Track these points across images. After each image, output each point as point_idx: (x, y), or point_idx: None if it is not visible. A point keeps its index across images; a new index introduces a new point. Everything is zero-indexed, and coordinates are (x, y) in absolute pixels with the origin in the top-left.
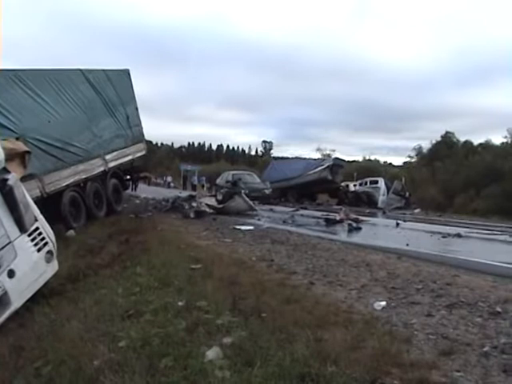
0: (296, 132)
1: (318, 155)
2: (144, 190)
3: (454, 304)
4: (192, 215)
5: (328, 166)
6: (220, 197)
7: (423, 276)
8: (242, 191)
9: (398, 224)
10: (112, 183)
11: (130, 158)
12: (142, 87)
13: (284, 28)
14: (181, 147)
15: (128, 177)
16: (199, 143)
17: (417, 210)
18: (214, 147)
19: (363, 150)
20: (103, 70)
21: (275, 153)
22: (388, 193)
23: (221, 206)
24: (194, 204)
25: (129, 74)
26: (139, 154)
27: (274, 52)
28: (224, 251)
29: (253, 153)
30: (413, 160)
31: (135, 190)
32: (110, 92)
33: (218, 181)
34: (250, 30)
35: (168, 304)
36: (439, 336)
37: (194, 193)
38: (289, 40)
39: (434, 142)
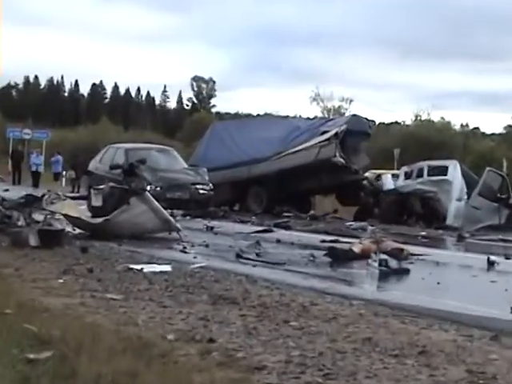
0: (269, 57)
1: (315, 111)
2: None
3: None
4: (33, 241)
5: (336, 135)
6: (98, 200)
7: None
8: (148, 187)
9: (491, 263)
10: None
11: None
12: None
13: None
14: (9, 87)
15: None
16: (52, 80)
17: None
18: (85, 89)
19: (415, 98)
20: None
21: (222, 104)
22: (470, 194)
23: (100, 219)
24: (39, 216)
25: None
26: None
27: None
28: (104, 321)
29: (172, 104)
30: None
31: None
32: None
33: (95, 165)
34: None
35: None
36: None
37: (38, 191)
38: None
39: None
